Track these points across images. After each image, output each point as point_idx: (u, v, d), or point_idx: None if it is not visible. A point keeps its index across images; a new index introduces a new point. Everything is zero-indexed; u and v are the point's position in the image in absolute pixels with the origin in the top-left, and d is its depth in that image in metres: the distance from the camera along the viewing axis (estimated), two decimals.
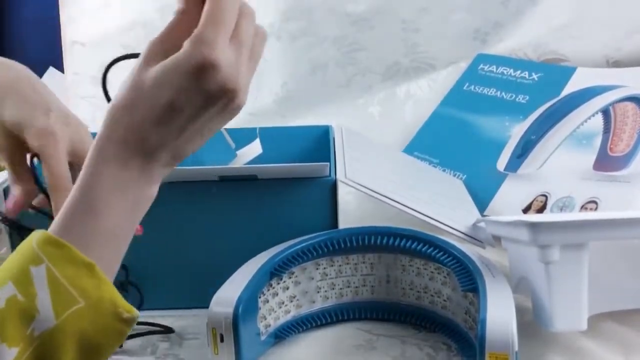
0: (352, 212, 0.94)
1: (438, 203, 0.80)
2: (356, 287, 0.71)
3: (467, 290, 0.63)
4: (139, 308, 0.50)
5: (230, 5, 0.47)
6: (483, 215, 0.88)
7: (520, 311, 0.70)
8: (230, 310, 0.60)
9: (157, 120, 0.47)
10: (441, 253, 0.67)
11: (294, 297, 0.69)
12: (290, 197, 0.71)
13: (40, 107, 0.60)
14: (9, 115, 0.60)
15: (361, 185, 0.72)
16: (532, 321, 0.63)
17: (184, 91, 0.46)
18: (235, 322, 0.60)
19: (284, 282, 0.68)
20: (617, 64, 1.08)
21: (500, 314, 0.57)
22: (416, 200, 0.75)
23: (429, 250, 0.67)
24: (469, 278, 0.63)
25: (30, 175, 0.61)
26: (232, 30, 0.48)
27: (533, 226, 0.57)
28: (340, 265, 0.71)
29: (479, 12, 1.17)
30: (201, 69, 0.46)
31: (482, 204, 0.90)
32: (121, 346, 0.66)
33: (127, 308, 0.47)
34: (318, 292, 0.70)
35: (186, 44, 0.46)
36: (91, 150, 0.48)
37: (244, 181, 0.71)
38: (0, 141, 0.61)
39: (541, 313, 0.61)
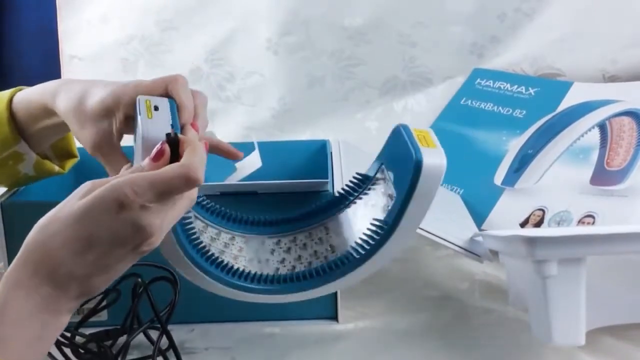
0: None
1: (435, 217, 0.80)
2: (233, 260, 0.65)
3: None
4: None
5: (174, 172, 0.49)
6: (480, 230, 0.88)
7: (518, 326, 0.71)
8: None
9: (72, 252, 0.48)
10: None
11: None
12: (289, 211, 0.71)
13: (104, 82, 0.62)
14: (95, 101, 0.61)
15: None
16: (530, 336, 0.63)
17: (103, 226, 0.47)
18: (173, 110, 0.57)
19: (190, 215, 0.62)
20: (613, 78, 1.08)
21: None
22: None
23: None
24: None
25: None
26: (164, 185, 0.49)
27: (530, 241, 0.58)
28: (214, 235, 0.65)
29: (475, 27, 1.17)
30: (119, 204, 0.47)
31: (479, 218, 0.91)
32: None
33: None
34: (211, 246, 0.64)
35: (112, 180, 0.48)
36: (5, 273, 0.48)
37: (244, 196, 0.71)
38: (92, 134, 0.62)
39: (539, 328, 0.61)
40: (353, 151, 0.88)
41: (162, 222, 0.49)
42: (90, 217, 0.47)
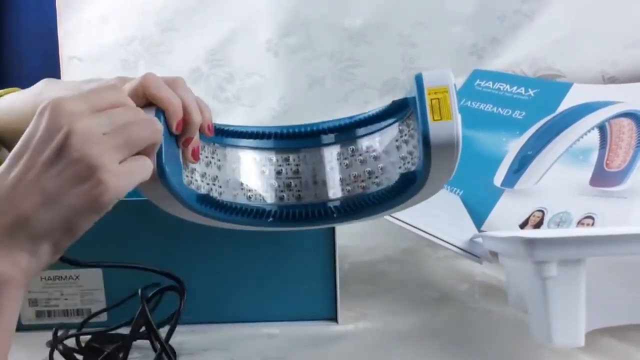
0: (349, 228, 0.94)
1: (435, 218, 0.80)
2: (281, 191, 0.66)
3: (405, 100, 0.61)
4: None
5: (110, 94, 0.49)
6: (480, 231, 0.88)
7: (517, 327, 0.71)
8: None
9: (2, 171, 0.45)
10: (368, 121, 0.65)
11: (216, 179, 0.64)
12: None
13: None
14: None
15: None
16: (529, 337, 0.63)
17: (28, 130, 0.46)
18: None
19: (206, 157, 0.63)
20: (612, 79, 1.09)
21: None
22: (413, 215, 0.75)
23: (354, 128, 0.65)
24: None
25: None
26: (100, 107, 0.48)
27: (529, 242, 0.57)
28: (263, 165, 0.66)
29: (475, 28, 1.17)
30: (44, 106, 0.46)
31: (479, 219, 0.91)
32: None
33: None
34: (241, 188, 0.65)
35: None
36: None
37: None
38: None
39: (539, 329, 0.61)
40: None
41: (89, 126, 0.46)
42: (25, 134, 0.46)
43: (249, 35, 1.24)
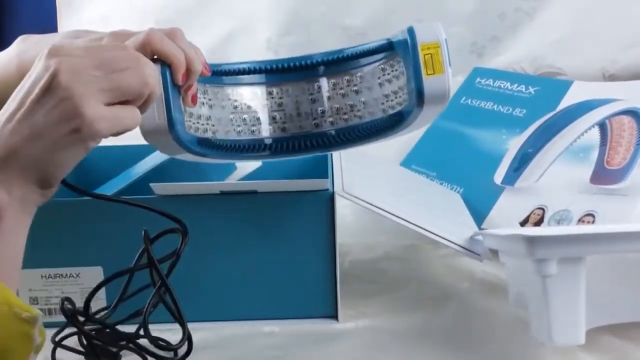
0: (349, 225, 0.94)
1: (435, 216, 0.80)
2: (268, 124, 0.70)
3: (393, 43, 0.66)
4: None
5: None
6: (480, 229, 0.88)
7: (517, 325, 0.71)
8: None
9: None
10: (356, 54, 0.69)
11: (209, 118, 0.67)
12: (288, 210, 0.72)
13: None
14: None
15: (359, 199, 0.72)
16: (529, 335, 0.63)
17: (28, 73, 0.49)
18: (165, 76, 0.58)
19: (199, 98, 0.66)
20: (613, 77, 1.09)
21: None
22: (413, 213, 0.75)
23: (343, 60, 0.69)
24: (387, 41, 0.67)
25: None
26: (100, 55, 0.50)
27: (530, 240, 0.57)
28: (250, 100, 0.70)
29: (476, 26, 1.17)
30: (43, 52, 0.49)
31: (479, 217, 0.91)
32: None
33: (24, 307, 0.46)
34: (232, 124, 0.69)
35: None
36: None
37: (244, 195, 0.71)
38: None
39: (539, 327, 0.61)
40: (353, 151, 0.88)
41: (77, 65, 0.48)
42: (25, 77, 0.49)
43: (249, 35, 1.24)
